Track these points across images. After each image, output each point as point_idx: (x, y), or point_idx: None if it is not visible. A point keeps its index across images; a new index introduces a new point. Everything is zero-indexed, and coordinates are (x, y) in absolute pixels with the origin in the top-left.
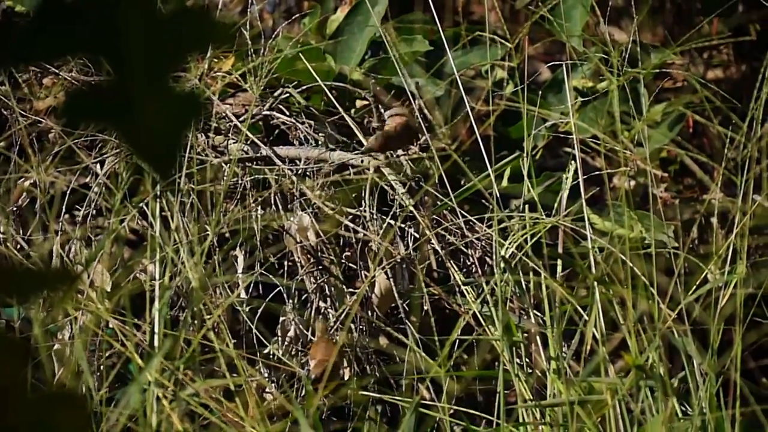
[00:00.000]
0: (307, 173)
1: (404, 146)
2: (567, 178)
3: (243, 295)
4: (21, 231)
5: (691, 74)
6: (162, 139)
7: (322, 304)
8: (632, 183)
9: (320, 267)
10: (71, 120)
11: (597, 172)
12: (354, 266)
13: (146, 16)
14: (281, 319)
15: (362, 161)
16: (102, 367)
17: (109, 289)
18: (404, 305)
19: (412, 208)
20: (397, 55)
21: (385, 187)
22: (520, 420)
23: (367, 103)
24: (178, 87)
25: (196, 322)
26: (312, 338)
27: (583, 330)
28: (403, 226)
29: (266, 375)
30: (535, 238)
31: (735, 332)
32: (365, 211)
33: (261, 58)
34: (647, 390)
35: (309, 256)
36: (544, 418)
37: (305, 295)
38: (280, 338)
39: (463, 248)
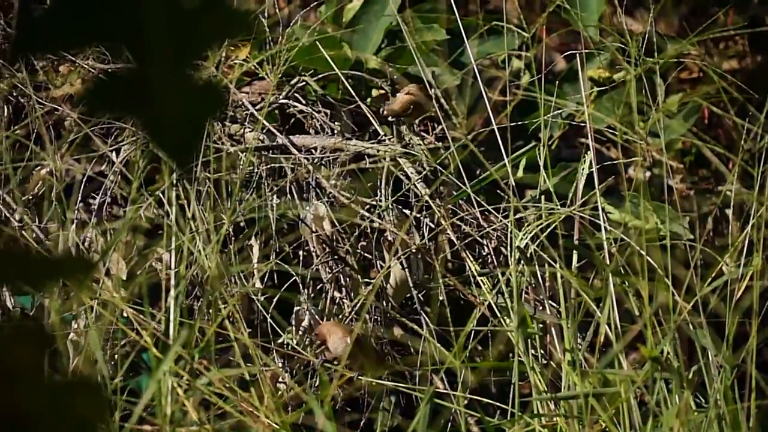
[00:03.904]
0: (323, 162)
1: (413, 119)
2: (583, 169)
3: (258, 284)
4: (37, 219)
5: (707, 65)
6: (182, 130)
7: (337, 294)
8: (648, 174)
9: (335, 257)
10: (93, 109)
11: (612, 162)
12: (369, 256)
13: (168, 5)
14: (296, 308)
15: (378, 151)
16: (116, 356)
17: (124, 278)
18: (419, 296)
19: (428, 198)
20: (414, 44)
21: (401, 177)
22: (535, 412)
23: (383, 92)
24: (199, 78)
25: (211, 311)
26: None
27: (598, 322)
28: (418, 216)
29: (281, 365)
30: (549, 229)
31: (751, 325)
32: (381, 200)
33: (278, 46)
34: (662, 382)
35: (324, 245)
36: (559, 410)
37: (320, 285)
38: (294, 328)
39: (478, 239)
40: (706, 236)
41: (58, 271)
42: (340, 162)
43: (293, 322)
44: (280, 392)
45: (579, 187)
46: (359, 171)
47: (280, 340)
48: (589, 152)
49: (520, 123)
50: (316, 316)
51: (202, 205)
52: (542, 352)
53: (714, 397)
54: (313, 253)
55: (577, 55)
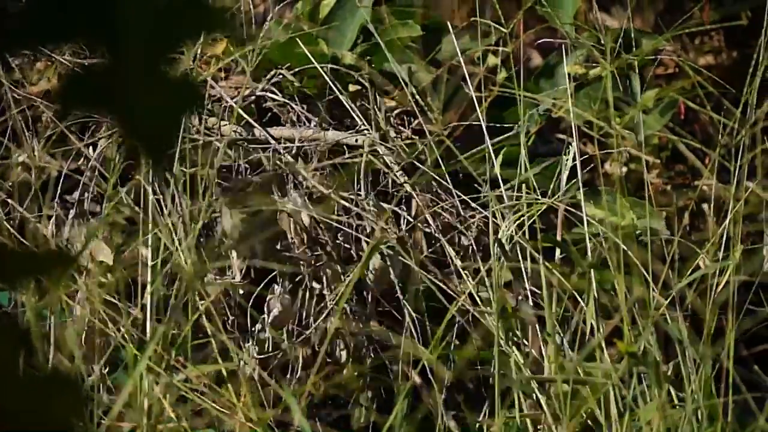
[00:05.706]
0: (301, 154)
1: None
2: (566, 162)
3: (237, 277)
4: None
5: (683, 60)
6: (157, 126)
7: (315, 285)
8: (624, 169)
9: (315, 249)
10: (67, 105)
11: (588, 156)
12: (348, 247)
13: (143, 1)
14: (268, 298)
15: (356, 140)
16: (94, 352)
17: (110, 263)
18: (399, 286)
19: (408, 188)
20: (388, 41)
21: (380, 165)
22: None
23: (359, 87)
24: (174, 73)
25: (189, 306)
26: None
27: (576, 316)
28: (396, 209)
29: (258, 361)
30: (529, 222)
31: (728, 320)
32: (360, 192)
33: (253, 43)
34: (640, 377)
35: (303, 238)
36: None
37: (299, 278)
38: (266, 317)
39: (459, 230)
40: (683, 231)
41: (36, 267)
42: (319, 151)
43: (265, 312)
44: (256, 388)
45: (562, 181)
46: (338, 165)
47: (256, 335)
48: (571, 147)
49: (496, 119)
50: (287, 306)
51: (179, 199)
52: (524, 342)
53: (691, 392)
54: (292, 245)
55: (554, 51)
